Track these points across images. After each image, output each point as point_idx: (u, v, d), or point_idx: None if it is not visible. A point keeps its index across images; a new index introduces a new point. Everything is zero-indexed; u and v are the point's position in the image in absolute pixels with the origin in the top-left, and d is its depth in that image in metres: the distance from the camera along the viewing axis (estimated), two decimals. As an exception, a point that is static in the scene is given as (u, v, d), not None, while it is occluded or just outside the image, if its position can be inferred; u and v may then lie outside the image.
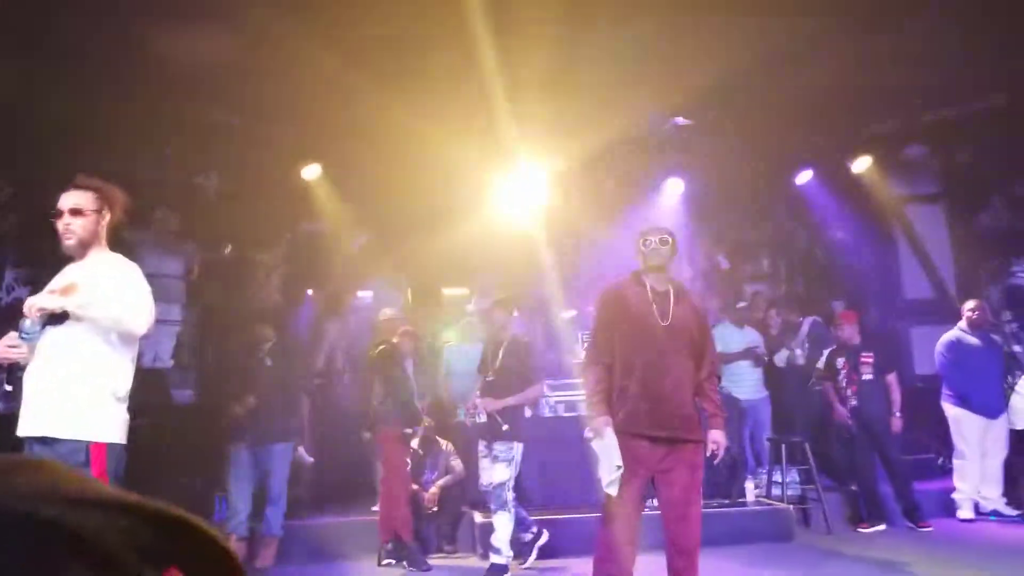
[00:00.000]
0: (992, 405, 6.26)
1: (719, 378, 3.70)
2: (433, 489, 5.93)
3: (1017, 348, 3.47)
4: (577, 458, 6.26)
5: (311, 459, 6.80)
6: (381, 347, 5.70)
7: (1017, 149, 8.27)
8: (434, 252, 8.32)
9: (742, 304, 7.22)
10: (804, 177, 8.87)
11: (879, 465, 6.25)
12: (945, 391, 6.49)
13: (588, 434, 3.32)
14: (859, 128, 7.99)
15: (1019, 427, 3.47)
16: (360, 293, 8.98)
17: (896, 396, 6.26)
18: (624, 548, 3.27)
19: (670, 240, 3.42)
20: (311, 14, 5.19)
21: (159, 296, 3.29)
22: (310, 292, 8.62)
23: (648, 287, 3.39)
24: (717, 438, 3.35)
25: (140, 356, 3.14)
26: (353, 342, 8.42)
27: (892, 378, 6.31)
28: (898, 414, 6.21)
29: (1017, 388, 3.42)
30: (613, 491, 3.22)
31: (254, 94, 6.27)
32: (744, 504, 5.63)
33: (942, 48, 6.34)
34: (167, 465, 5.88)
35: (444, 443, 6.26)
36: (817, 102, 7.29)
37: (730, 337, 7.04)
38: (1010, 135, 7.89)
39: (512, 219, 8.51)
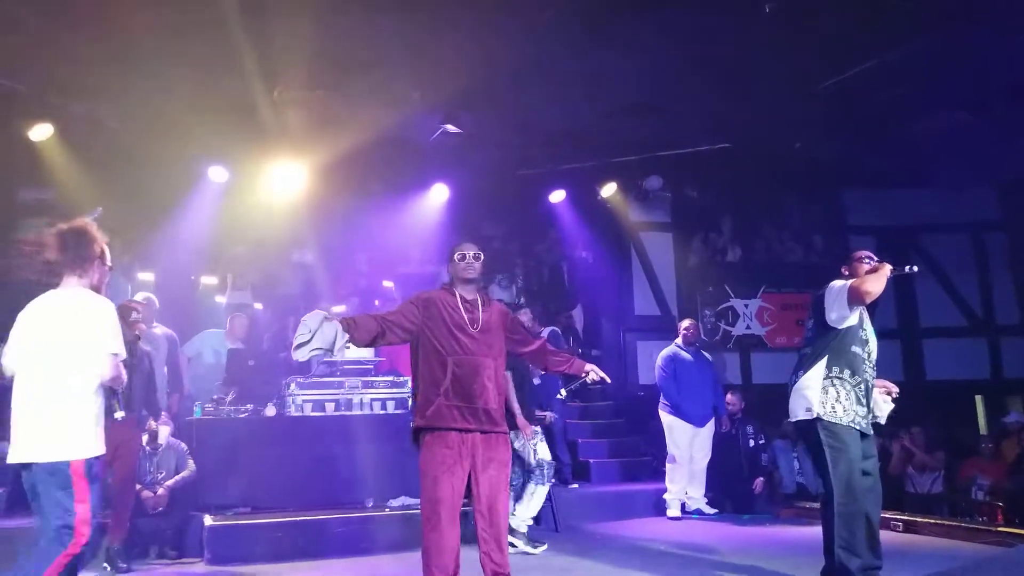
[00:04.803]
0: (700, 414, 7.14)
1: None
2: (161, 490, 5.51)
3: (806, 351, 4.09)
4: (324, 458, 6.19)
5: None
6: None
7: (736, 187, 9.53)
8: (182, 236, 7.72)
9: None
10: (558, 196, 9.47)
11: None
12: (662, 400, 7.27)
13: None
14: (608, 156, 8.68)
15: (792, 419, 4.08)
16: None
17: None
18: (451, 549, 3.46)
19: (481, 256, 3.80)
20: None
21: None
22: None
23: (458, 296, 3.74)
24: (590, 368, 3.92)
25: None
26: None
27: None
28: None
29: (797, 384, 4.03)
30: (299, 356, 3.35)
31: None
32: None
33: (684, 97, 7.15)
34: None
35: (179, 442, 5.85)
36: (572, 127, 7.84)
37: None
38: (733, 176, 9.08)
39: (271, 208, 8.15)
